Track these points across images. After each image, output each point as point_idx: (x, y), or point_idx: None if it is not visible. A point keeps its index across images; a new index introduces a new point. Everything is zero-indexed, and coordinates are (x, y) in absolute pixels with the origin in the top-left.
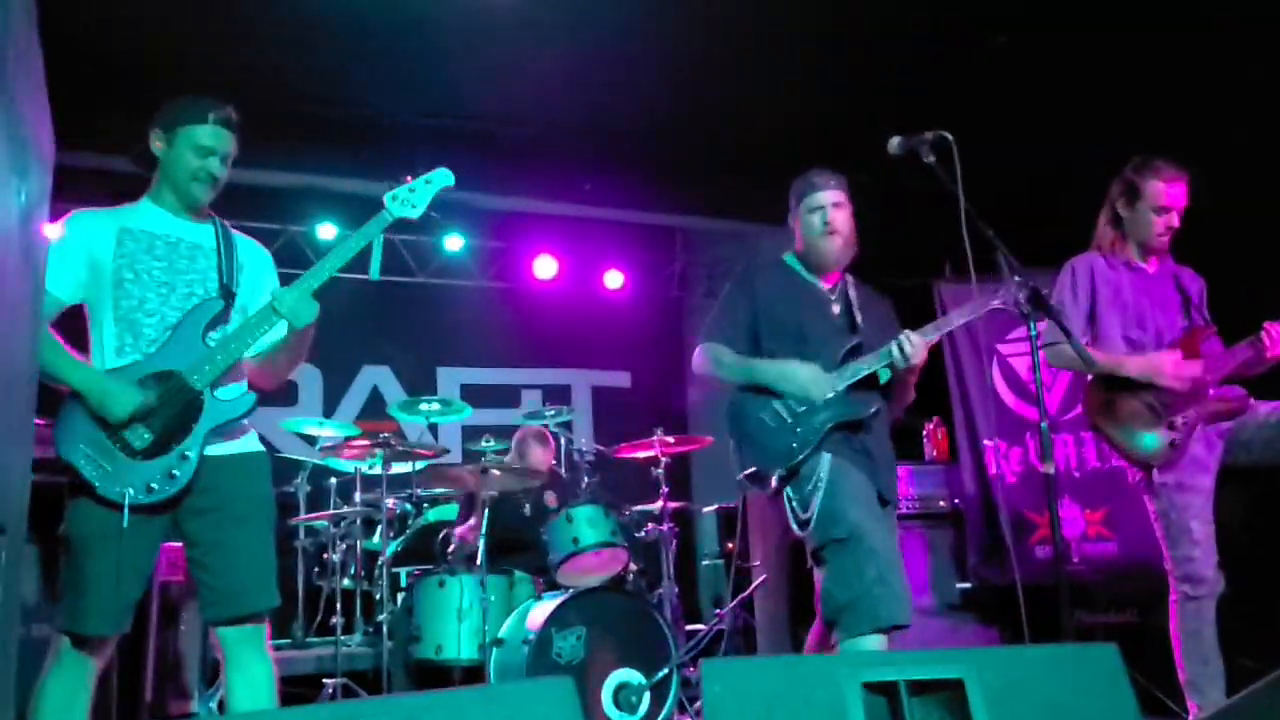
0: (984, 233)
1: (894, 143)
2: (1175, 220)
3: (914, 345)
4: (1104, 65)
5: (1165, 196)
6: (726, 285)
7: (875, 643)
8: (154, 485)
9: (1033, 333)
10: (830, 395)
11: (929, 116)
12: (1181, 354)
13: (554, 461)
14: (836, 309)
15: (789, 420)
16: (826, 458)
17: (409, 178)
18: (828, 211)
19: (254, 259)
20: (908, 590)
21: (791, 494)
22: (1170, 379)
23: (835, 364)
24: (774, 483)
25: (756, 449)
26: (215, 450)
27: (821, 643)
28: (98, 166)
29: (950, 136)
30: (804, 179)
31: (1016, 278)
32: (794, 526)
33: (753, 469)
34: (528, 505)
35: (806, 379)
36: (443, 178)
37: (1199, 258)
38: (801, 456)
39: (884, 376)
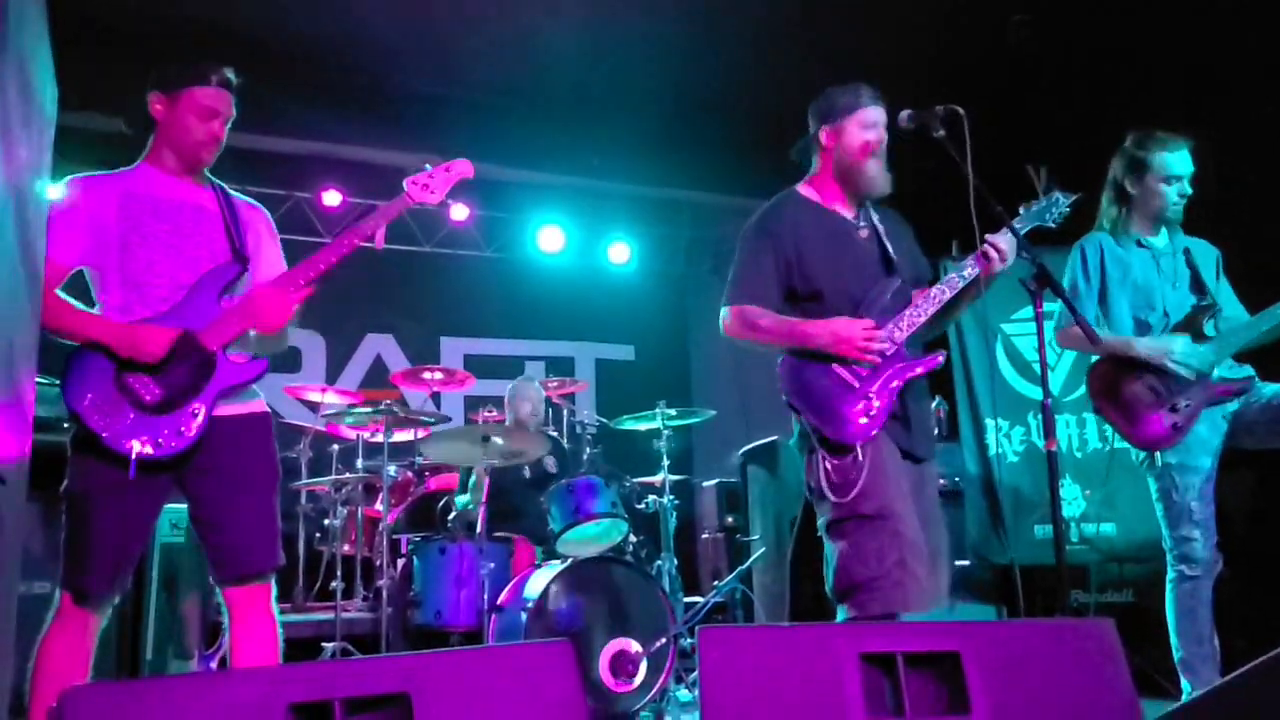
0: (992, 209)
1: (904, 116)
2: (1187, 187)
3: (1004, 249)
4: (1122, 44)
5: (1173, 165)
6: (743, 238)
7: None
8: (162, 440)
9: (1039, 310)
10: (890, 352)
11: (944, 94)
12: (1189, 335)
13: (542, 412)
14: (865, 233)
15: (858, 384)
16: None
17: (428, 165)
18: (881, 132)
19: (256, 221)
20: (930, 578)
21: (833, 457)
22: (1178, 360)
23: (887, 312)
24: (859, 454)
25: (833, 420)
26: (221, 410)
27: None
28: (97, 128)
29: (962, 110)
30: (849, 90)
31: (1024, 253)
32: (826, 491)
33: (832, 440)
34: (528, 468)
35: (861, 339)
36: (463, 168)
37: (1221, 232)
38: (881, 425)
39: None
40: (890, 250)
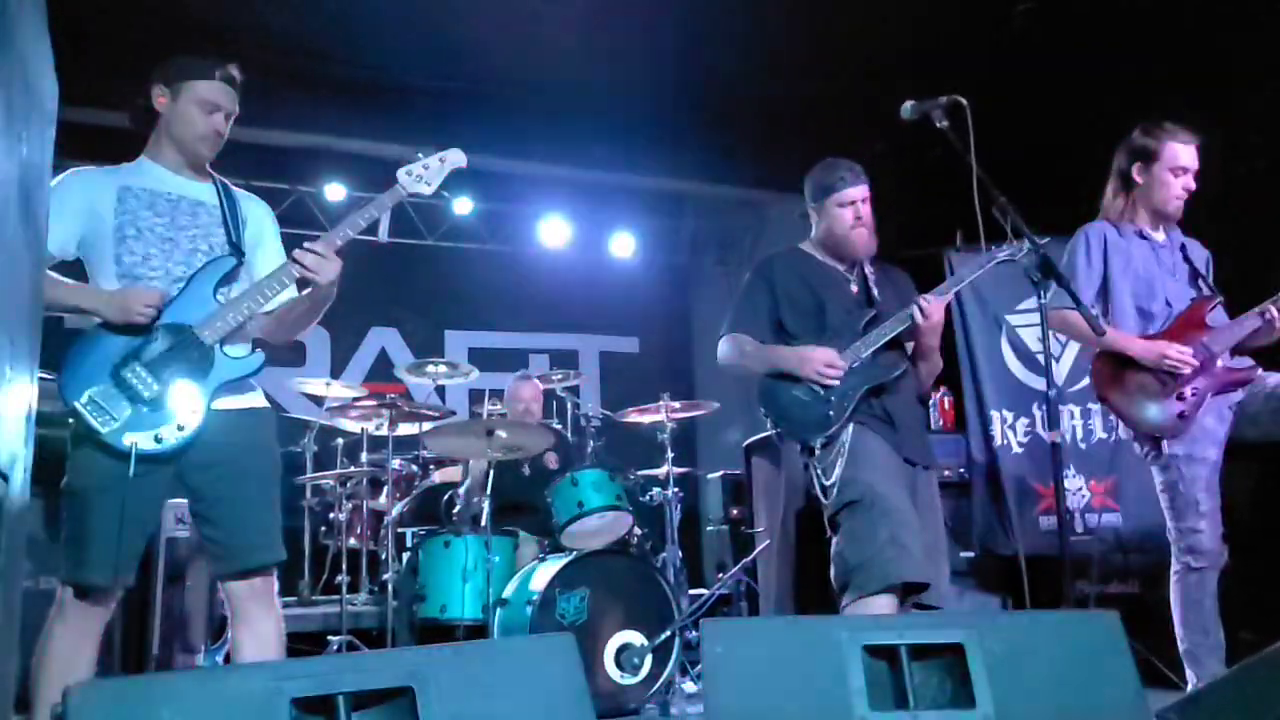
0: (995, 199)
1: (907, 107)
2: (1192, 182)
3: (929, 304)
4: (1128, 33)
5: (1183, 157)
6: (746, 275)
7: (885, 604)
8: (161, 436)
9: (1042, 301)
10: (856, 364)
11: (946, 85)
12: (1187, 331)
13: (541, 403)
14: (855, 288)
15: (821, 391)
16: (850, 425)
17: (421, 154)
18: (859, 207)
19: (255, 214)
20: (929, 552)
21: (817, 462)
22: (1174, 364)
23: (858, 335)
24: (816, 450)
25: (795, 423)
26: (221, 405)
27: None
28: (100, 123)
29: (964, 101)
30: (828, 172)
31: (1028, 243)
32: (818, 493)
33: (796, 441)
34: (527, 466)
35: (821, 363)
36: (455, 157)
37: (1211, 227)
38: (839, 424)
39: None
40: (875, 293)
